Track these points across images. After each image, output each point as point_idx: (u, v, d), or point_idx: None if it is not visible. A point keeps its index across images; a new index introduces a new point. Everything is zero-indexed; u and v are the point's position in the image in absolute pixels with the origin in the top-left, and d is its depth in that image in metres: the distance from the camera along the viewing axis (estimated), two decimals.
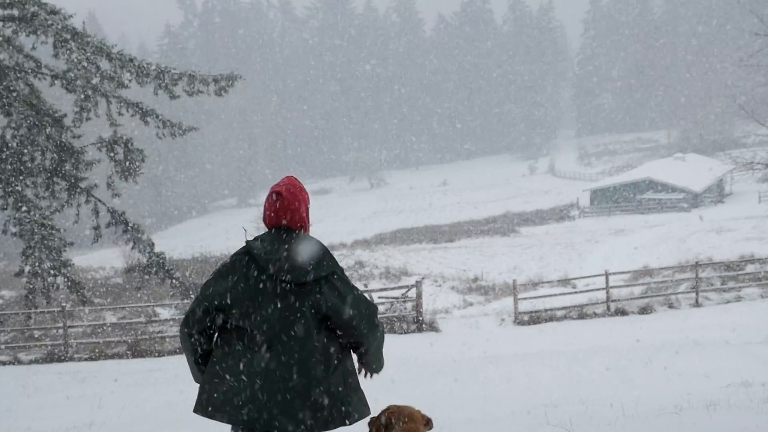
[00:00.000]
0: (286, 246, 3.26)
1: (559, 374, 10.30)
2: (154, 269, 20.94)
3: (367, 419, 3.35)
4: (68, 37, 18.09)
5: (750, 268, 23.25)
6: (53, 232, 18.68)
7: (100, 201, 19.99)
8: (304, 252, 3.25)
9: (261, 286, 3.22)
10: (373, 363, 3.45)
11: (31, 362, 17.03)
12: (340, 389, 3.24)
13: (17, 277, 20.16)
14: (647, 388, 9.03)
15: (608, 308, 20.06)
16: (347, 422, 3.25)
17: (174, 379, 13.02)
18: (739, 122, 79.36)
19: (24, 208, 18.22)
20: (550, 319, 19.73)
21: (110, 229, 21.08)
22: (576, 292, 22.54)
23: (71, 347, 17.59)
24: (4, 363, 16.94)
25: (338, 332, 3.27)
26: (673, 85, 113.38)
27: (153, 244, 20.98)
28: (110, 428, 9.09)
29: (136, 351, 17.46)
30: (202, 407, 3.27)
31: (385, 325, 18.15)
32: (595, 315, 19.94)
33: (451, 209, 72.32)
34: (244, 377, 3.17)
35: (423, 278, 24.17)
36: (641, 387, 9.10)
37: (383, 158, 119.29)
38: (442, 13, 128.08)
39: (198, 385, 3.42)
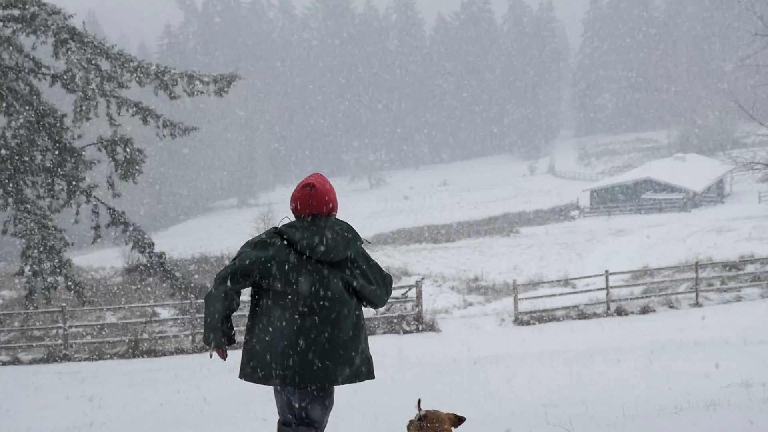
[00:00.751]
0: (320, 230, 3.77)
1: (559, 374, 10.29)
2: (154, 269, 20.93)
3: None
4: (68, 37, 18.08)
5: (750, 268, 23.24)
6: (53, 232, 18.67)
7: (100, 201, 19.99)
8: (335, 234, 3.78)
9: (298, 263, 3.73)
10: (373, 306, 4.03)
11: (31, 362, 17.03)
12: (366, 348, 3.88)
13: (17, 277, 20.16)
14: (647, 388, 9.03)
15: (608, 308, 20.06)
16: (373, 377, 3.91)
17: (174, 379, 13.02)
18: (739, 122, 79.31)
19: (24, 208, 18.21)
20: (550, 319, 19.72)
21: (110, 229, 21.07)
22: (576, 292, 22.53)
23: (71, 347, 17.59)
24: (4, 363, 16.94)
25: (362, 299, 3.90)
26: (673, 85, 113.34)
27: (153, 244, 20.97)
28: (110, 428, 9.09)
29: (136, 351, 17.47)
30: (250, 374, 3.78)
31: (385, 325, 18.17)
32: (595, 315, 19.94)
33: (451, 209, 72.30)
34: (287, 340, 3.68)
35: (423, 278, 24.17)
36: (641, 387, 9.10)
37: (383, 158, 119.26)
38: (442, 13, 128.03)
39: (207, 353, 4.04)
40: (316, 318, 3.70)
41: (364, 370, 3.84)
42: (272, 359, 3.70)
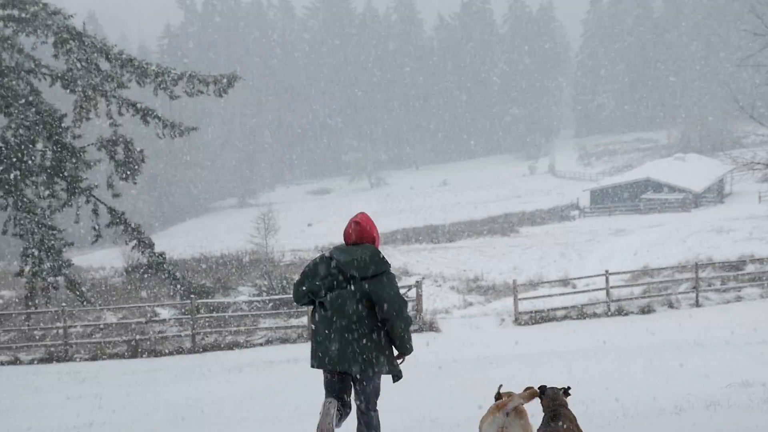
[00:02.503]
0: (355, 253, 4.99)
1: (558, 374, 10.29)
2: (154, 269, 20.93)
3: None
4: (68, 37, 18.09)
5: (750, 268, 23.22)
6: (53, 232, 18.67)
7: (100, 201, 19.98)
8: (366, 257, 4.97)
9: (337, 276, 4.98)
10: (397, 341, 5.05)
11: (31, 362, 17.04)
12: (378, 347, 4.98)
13: (17, 277, 20.15)
14: (647, 388, 9.03)
15: (608, 308, 20.05)
16: (384, 371, 5.03)
17: (174, 379, 13.03)
18: (739, 122, 79.31)
19: (24, 208, 18.21)
20: (551, 319, 19.72)
21: (110, 229, 21.06)
22: (576, 292, 22.50)
23: (71, 347, 17.59)
24: (4, 363, 16.95)
25: (376, 310, 4.94)
26: (673, 85, 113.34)
27: (153, 244, 20.97)
28: (110, 428, 9.10)
29: (136, 351, 17.47)
30: (312, 360, 5.07)
31: None
32: (595, 315, 19.92)
33: (451, 209, 72.31)
34: (325, 336, 4.96)
35: (423, 278, 24.16)
36: (641, 387, 9.10)
37: (383, 158, 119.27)
38: (442, 13, 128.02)
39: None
40: (341, 319, 4.92)
41: (375, 363, 4.96)
42: (319, 355, 5.00)
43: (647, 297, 20.82)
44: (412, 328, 18.35)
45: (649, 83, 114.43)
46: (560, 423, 4.54)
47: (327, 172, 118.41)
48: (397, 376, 5.13)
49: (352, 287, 4.92)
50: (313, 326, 5.09)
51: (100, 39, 19.28)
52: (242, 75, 20.86)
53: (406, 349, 5.10)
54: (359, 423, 5.13)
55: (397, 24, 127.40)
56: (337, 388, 5.05)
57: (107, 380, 13.56)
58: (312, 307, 5.18)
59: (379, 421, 5.15)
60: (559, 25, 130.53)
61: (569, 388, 4.90)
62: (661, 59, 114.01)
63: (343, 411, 5.06)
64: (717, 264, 23.96)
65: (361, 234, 5.09)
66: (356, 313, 4.90)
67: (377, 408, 5.16)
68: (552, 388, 4.79)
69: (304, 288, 5.10)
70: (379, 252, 5.02)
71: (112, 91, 19.05)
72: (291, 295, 20.94)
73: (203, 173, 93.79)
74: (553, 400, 4.69)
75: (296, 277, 25.65)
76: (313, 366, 5.04)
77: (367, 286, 4.90)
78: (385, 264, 4.99)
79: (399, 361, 5.17)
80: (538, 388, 4.79)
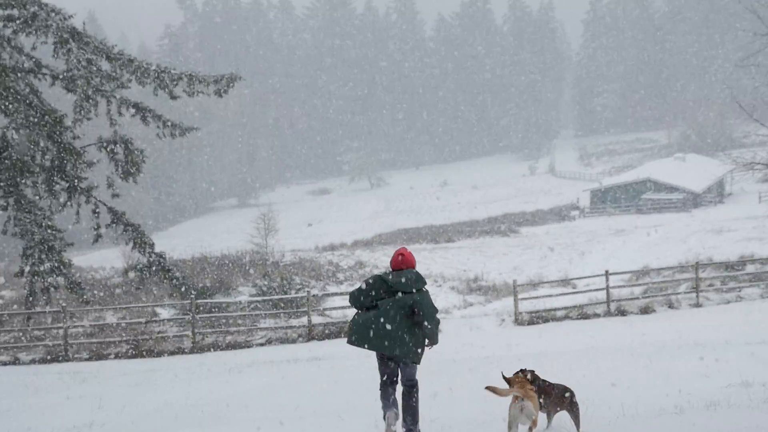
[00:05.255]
0: (405, 275, 7.05)
1: (559, 374, 10.28)
2: (154, 269, 20.91)
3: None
4: (68, 37, 18.07)
5: (750, 268, 23.23)
6: (53, 232, 18.67)
7: (100, 201, 19.97)
8: (410, 278, 7.05)
9: (387, 291, 7.02)
10: (430, 336, 7.06)
11: (31, 362, 17.04)
12: (415, 341, 6.95)
13: (17, 278, 20.15)
14: (647, 388, 9.04)
15: (608, 308, 20.05)
16: (416, 362, 6.99)
17: (174, 379, 13.03)
18: (739, 122, 79.27)
19: (24, 209, 18.21)
20: (551, 319, 19.72)
21: (110, 229, 21.04)
22: (576, 293, 22.50)
23: (71, 347, 17.60)
24: (4, 363, 16.96)
25: (415, 314, 6.95)
26: (673, 85, 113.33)
27: (153, 244, 20.95)
28: (110, 428, 9.10)
29: (136, 351, 17.47)
30: (352, 341, 7.01)
31: None
32: (596, 315, 19.92)
33: (451, 209, 72.30)
34: (373, 329, 6.89)
35: None
36: (641, 387, 9.10)
37: (383, 158, 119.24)
38: (442, 13, 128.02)
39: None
40: (389, 319, 6.88)
41: (412, 353, 6.90)
42: (366, 338, 6.92)
43: (647, 297, 20.83)
44: None
45: (648, 83, 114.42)
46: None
47: (327, 172, 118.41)
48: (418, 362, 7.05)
49: (398, 298, 6.93)
50: (361, 321, 6.97)
51: (100, 39, 19.26)
52: (242, 75, 20.83)
53: (434, 340, 7.10)
54: (404, 395, 7.04)
55: (397, 24, 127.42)
56: (388, 371, 7.03)
57: (107, 380, 13.56)
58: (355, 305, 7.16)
59: (418, 399, 7.08)
60: (559, 25, 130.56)
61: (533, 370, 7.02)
62: (661, 59, 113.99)
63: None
64: (717, 264, 23.96)
65: (406, 262, 7.16)
66: (400, 314, 6.89)
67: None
68: (528, 374, 6.90)
69: (362, 297, 7.06)
70: (419, 275, 7.12)
71: (112, 91, 19.03)
72: (292, 296, 21.10)
73: (203, 173, 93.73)
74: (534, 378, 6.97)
75: (297, 278, 25.85)
76: (354, 344, 6.95)
77: (409, 298, 6.92)
78: (424, 282, 7.16)
79: (428, 348, 7.09)
80: (525, 375, 6.83)
